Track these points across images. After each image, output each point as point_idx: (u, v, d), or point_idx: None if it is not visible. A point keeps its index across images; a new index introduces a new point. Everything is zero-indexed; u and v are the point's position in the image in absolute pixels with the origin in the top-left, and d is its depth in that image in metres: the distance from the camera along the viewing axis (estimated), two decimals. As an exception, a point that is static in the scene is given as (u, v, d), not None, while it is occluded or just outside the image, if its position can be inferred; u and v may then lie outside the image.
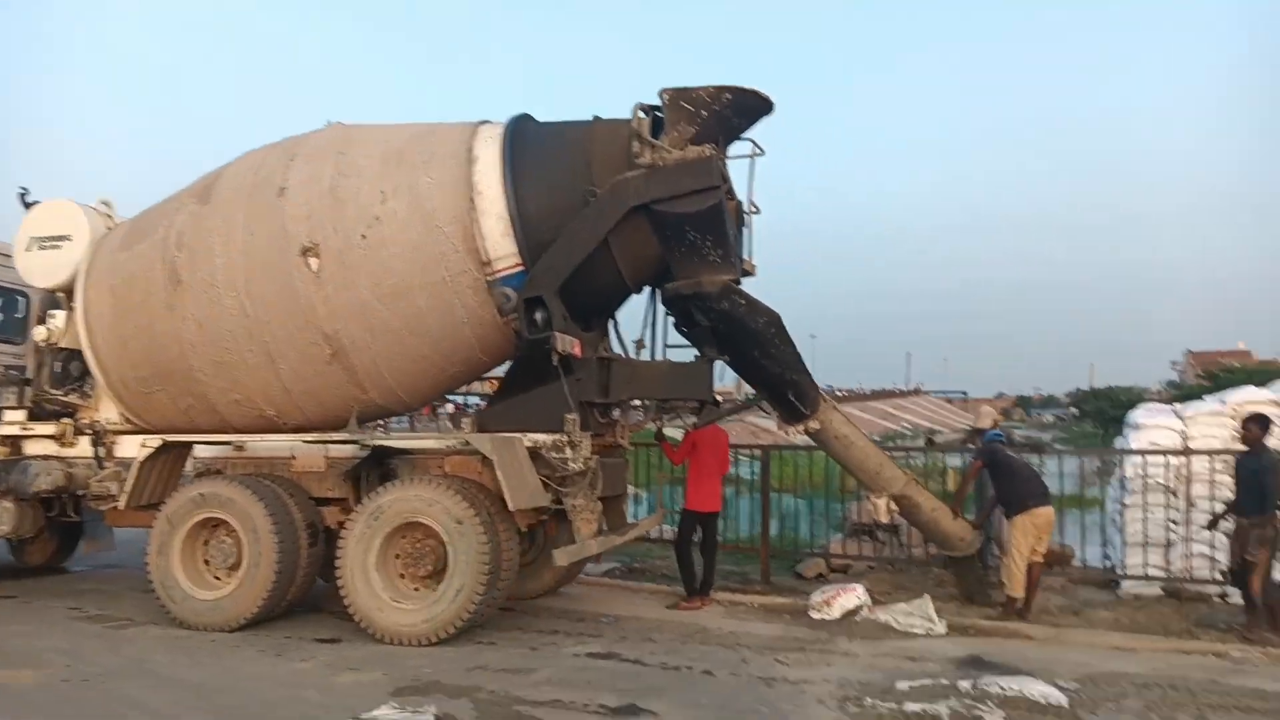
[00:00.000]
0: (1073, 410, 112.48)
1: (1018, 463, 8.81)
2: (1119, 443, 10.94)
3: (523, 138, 7.65)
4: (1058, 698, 5.67)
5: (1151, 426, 10.08)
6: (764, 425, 29.17)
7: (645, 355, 8.42)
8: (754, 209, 8.05)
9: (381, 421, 8.76)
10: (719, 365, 8.05)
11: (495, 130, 7.72)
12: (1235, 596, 8.87)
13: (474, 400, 12.72)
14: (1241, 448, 8.18)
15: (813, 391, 8.28)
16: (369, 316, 7.62)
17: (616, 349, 8.53)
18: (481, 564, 7.08)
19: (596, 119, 7.71)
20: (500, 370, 8.58)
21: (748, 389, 8.94)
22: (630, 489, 9.68)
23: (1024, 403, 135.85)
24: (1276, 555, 7.69)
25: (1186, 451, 9.04)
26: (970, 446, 10.11)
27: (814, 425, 8.36)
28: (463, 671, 6.37)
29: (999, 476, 8.73)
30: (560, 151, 7.63)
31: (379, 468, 7.88)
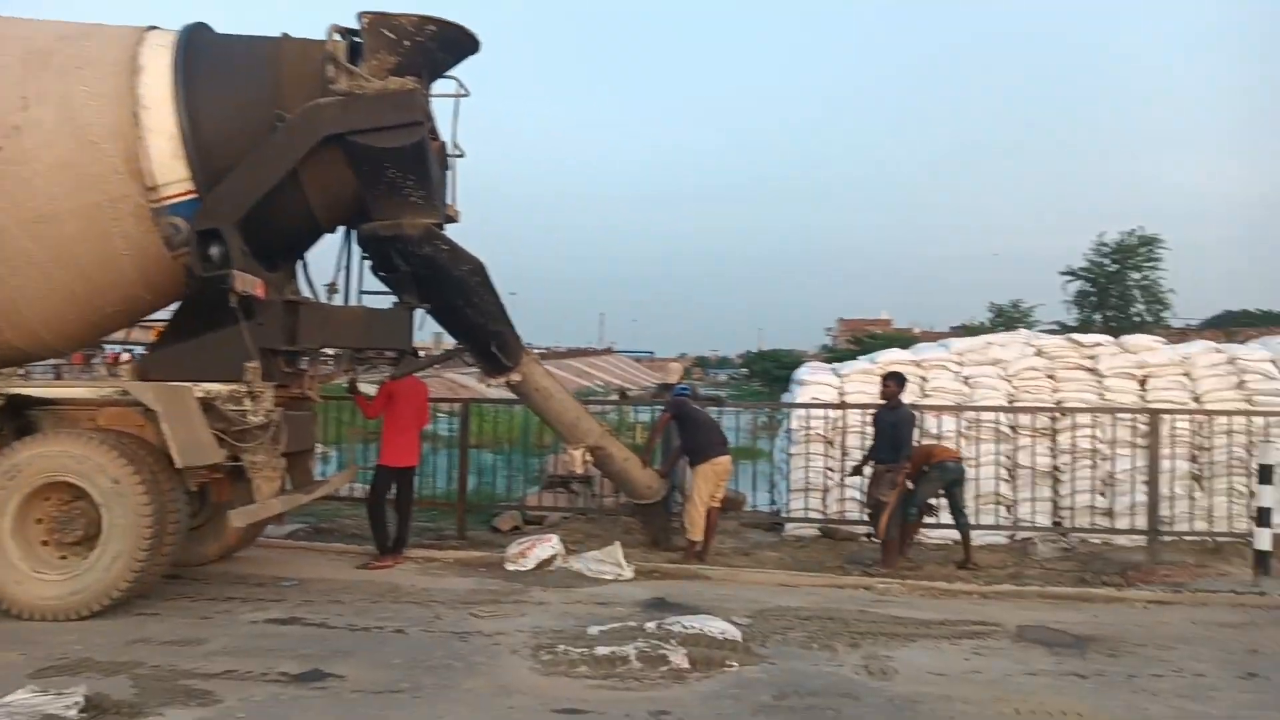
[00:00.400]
0: (744, 370, 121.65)
1: (701, 416, 9.28)
2: (785, 398, 11.90)
3: (199, 49, 6.87)
4: (733, 633, 6.02)
5: (813, 383, 10.99)
6: (462, 380, 28.83)
7: (338, 300, 7.95)
8: (458, 152, 7.81)
9: (22, 369, 7.61)
10: (419, 314, 7.77)
11: (166, 38, 6.87)
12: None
13: (138, 350, 11.42)
14: (880, 402, 9.13)
15: (515, 344, 8.22)
16: (5, 244, 6.57)
17: (306, 293, 7.98)
18: (142, 528, 6.37)
19: (286, 36, 7.08)
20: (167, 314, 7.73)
21: (448, 342, 8.69)
22: (320, 446, 9.12)
23: (702, 363, 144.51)
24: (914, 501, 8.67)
25: (842, 405, 9.94)
26: (660, 400, 10.53)
27: (515, 378, 8.31)
28: (120, 646, 5.72)
29: (685, 428, 9.16)
30: (245, 68, 6.94)
31: (15, 420, 6.84)
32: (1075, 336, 10.98)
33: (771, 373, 63.39)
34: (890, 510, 8.58)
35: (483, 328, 7.95)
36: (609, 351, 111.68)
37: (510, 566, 8.21)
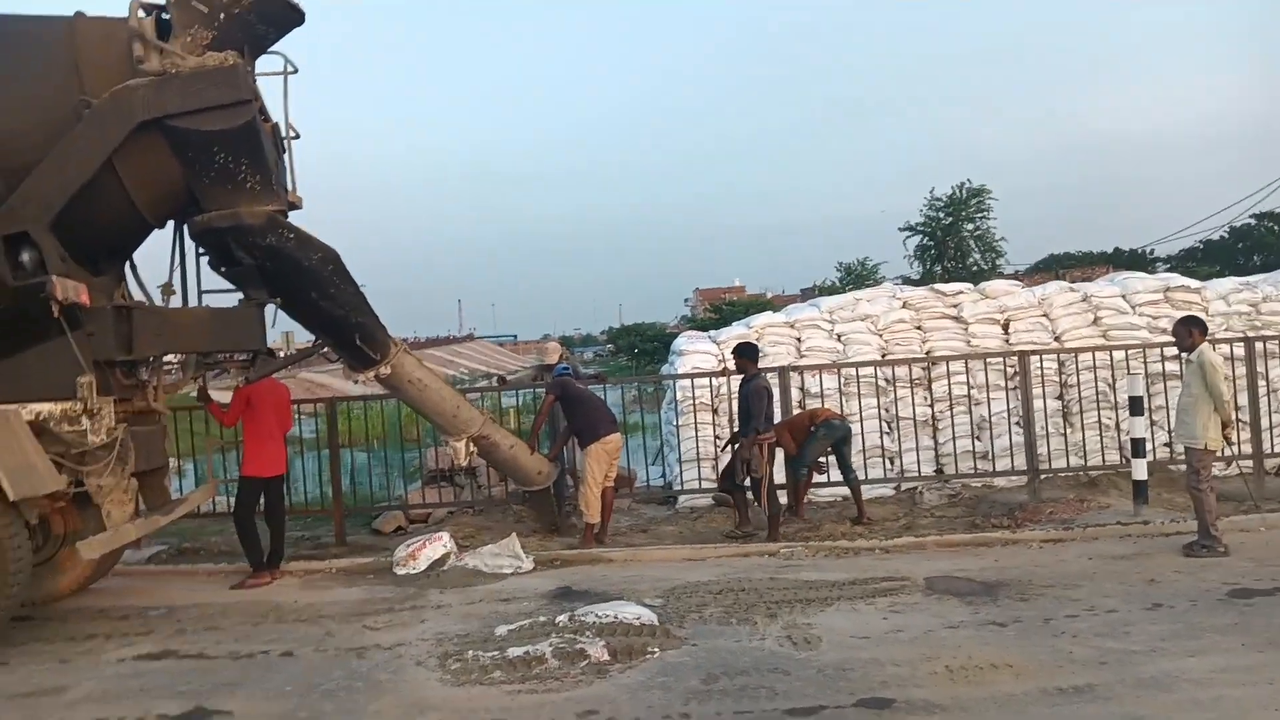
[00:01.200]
0: (609, 346, 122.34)
1: (587, 394, 8.97)
2: (665, 369, 11.73)
3: None
4: (649, 616, 5.77)
5: (693, 352, 10.87)
6: (320, 380, 27.62)
7: (176, 302, 7.26)
8: (293, 133, 7.20)
9: None
10: (271, 310, 7.15)
11: None
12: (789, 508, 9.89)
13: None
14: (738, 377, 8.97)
15: (381, 334, 7.69)
16: None
17: (139, 297, 7.23)
18: (-22, 572, 5.59)
19: (80, 14, 6.31)
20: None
21: (299, 341, 8.09)
22: (172, 461, 8.35)
23: (566, 342, 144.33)
24: (755, 466, 8.48)
25: (725, 372, 9.80)
26: (540, 383, 10.15)
27: (385, 370, 7.78)
28: (-38, 709, 4.97)
29: (571, 408, 8.82)
30: (35, 52, 6.17)
31: None
32: (938, 287, 11.20)
33: (637, 346, 63.69)
34: (765, 482, 8.47)
35: (343, 320, 7.38)
36: (471, 338, 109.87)
37: (400, 571, 7.73)
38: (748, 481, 8.59)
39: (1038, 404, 9.78)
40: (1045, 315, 10.72)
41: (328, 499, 9.81)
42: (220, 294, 7.49)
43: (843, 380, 10.01)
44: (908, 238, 46.34)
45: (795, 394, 9.88)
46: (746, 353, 8.81)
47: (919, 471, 9.96)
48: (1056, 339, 10.55)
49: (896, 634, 5.36)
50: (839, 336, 10.66)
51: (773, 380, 9.74)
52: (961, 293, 10.86)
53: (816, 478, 9.31)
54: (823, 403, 9.71)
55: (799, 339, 10.71)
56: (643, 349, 65.16)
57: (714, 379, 10.02)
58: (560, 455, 9.33)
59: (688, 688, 4.71)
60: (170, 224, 7.15)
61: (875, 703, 4.37)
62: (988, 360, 10.04)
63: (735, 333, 10.91)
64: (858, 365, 9.93)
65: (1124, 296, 10.79)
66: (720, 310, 69.17)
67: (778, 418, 9.49)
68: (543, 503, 9.38)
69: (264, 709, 4.75)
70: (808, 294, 65.36)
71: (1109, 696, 4.30)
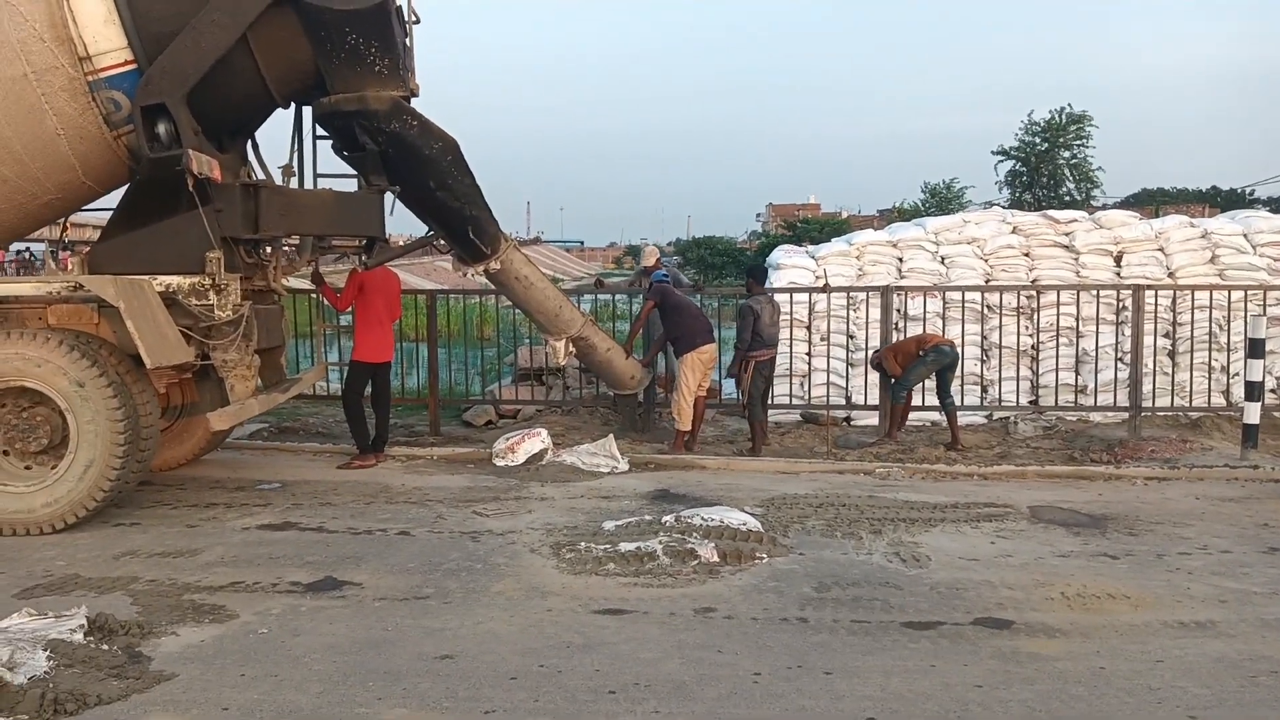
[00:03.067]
0: (676, 259, 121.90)
1: (685, 303, 8.99)
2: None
3: None
4: (754, 524, 5.87)
5: (790, 267, 10.77)
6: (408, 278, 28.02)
7: (295, 184, 7.39)
8: (415, 18, 7.18)
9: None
10: (389, 198, 7.26)
11: None
12: (863, 420, 9.95)
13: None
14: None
15: (493, 228, 7.79)
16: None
17: (260, 177, 7.37)
18: (116, 434, 5.91)
19: None
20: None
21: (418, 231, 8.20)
22: (287, 340, 8.63)
23: (634, 252, 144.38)
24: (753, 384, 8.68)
25: (826, 289, 9.72)
26: (640, 288, 10.17)
27: (494, 265, 7.90)
28: (108, 561, 5.33)
29: (669, 316, 8.86)
30: None
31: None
32: (1051, 213, 10.90)
33: (706, 260, 63.19)
34: (745, 395, 8.68)
35: (458, 212, 7.48)
36: (538, 241, 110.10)
37: (500, 462, 7.97)
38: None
39: (1147, 340, 9.55)
40: (1160, 250, 10.39)
41: (422, 389, 10.09)
42: (334, 178, 7.64)
43: (945, 304, 9.89)
44: (999, 162, 44.93)
45: (895, 315, 9.79)
46: (756, 273, 9.19)
47: (1017, 401, 9.85)
48: (1170, 275, 10.23)
49: (1006, 559, 5.40)
50: (943, 259, 10.49)
51: (874, 300, 9.68)
52: (1075, 221, 10.55)
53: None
54: (924, 326, 9.61)
55: (900, 259, 10.55)
56: (712, 263, 64.84)
57: (812, 295, 9.95)
58: (653, 362, 9.43)
59: (801, 594, 4.82)
60: (293, 106, 7.25)
61: (993, 623, 4.43)
62: (1099, 293, 9.79)
63: (836, 249, 10.78)
64: (962, 290, 9.77)
65: (1245, 235, 10.38)
66: (794, 227, 68.41)
67: (875, 341, 9.46)
68: (631, 407, 9.53)
69: (391, 583, 4.99)
70: (887, 216, 64.04)
71: (1233, 634, 4.30)
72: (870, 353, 9.38)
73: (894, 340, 9.38)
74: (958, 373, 9.62)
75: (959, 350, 9.07)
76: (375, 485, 7.22)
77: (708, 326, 8.92)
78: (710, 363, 8.79)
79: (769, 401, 9.21)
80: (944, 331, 9.59)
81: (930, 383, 9.16)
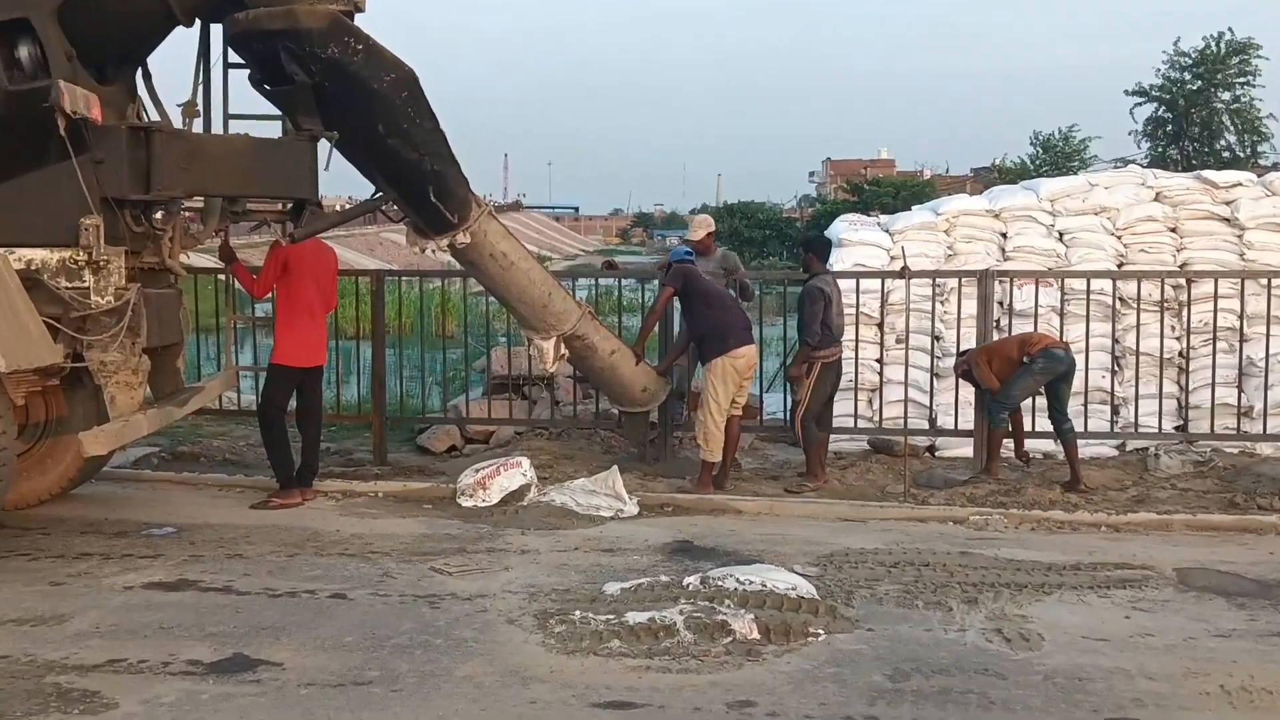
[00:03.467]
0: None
1: (716, 291, 8.99)
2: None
3: None
4: (806, 588, 5.86)
5: (856, 244, 10.79)
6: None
7: (199, 128, 7.45)
8: None
9: None
10: (325, 147, 7.30)
11: None
12: (951, 449, 9.95)
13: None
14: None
15: (462, 189, 7.83)
16: None
17: (156, 117, 7.40)
18: (-44, 461, 5.92)
19: None
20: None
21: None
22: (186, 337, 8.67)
23: (644, 221, 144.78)
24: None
25: (905, 273, 9.70)
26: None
27: (463, 238, 7.92)
28: (-54, 629, 5.33)
29: (694, 308, 8.87)
30: None
31: None
32: (1207, 174, 10.88)
33: (743, 233, 63.27)
34: (803, 408, 8.76)
35: (415, 166, 7.51)
36: (518, 207, 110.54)
37: (466, 501, 8.02)
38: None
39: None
40: (1359, 224, 10.37)
41: (364, 404, 10.12)
42: (252, 120, 7.68)
43: (1063, 295, 9.85)
44: (1136, 105, 44.86)
45: (995, 309, 9.78)
46: (816, 246, 9.37)
47: (1159, 427, 9.81)
48: (1373, 257, 10.20)
49: (1145, 638, 5.38)
50: (1060, 235, 10.51)
51: (968, 289, 9.67)
52: (1239, 185, 10.54)
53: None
54: (1034, 325, 9.60)
55: (1004, 234, 10.60)
56: (750, 237, 65.01)
57: (885, 281, 9.95)
58: (672, 369, 9.43)
59: (870, 684, 4.80)
60: (198, 23, 7.28)
61: (1129, 726, 4.41)
62: (1271, 282, 9.74)
63: (917, 220, 10.82)
64: (1087, 276, 9.75)
65: None
66: (860, 190, 68.55)
67: (971, 344, 9.42)
68: (642, 430, 9.55)
69: (321, 663, 4.98)
70: (984, 176, 64.06)
71: None
72: (958, 357, 9.37)
73: (991, 340, 9.38)
74: (1084, 387, 9.61)
75: (1075, 356, 9.04)
76: (301, 531, 7.24)
77: (745, 322, 8.92)
78: (748, 370, 8.80)
79: (830, 421, 9.21)
80: (1060, 332, 9.57)
81: (1040, 399, 9.14)
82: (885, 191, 63.47)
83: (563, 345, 8.67)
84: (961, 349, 9.48)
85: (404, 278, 10.46)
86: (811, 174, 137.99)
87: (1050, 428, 9.12)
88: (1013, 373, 8.83)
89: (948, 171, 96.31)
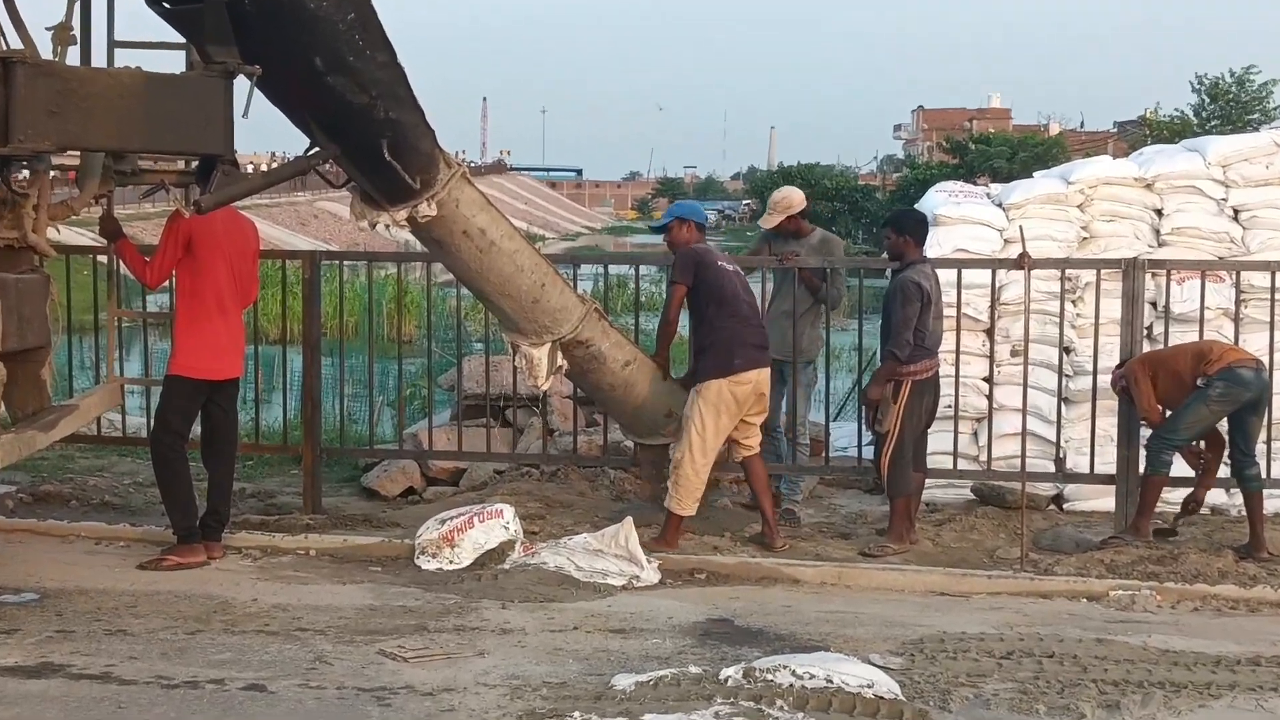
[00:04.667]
0: (746, 203, 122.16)
1: (730, 288, 9.00)
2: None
3: None
4: (887, 684, 5.85)
5: (956, 222, 10.84)
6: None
7: (74, 60, 7.57)
8: None
9: None
10: (243, 86, 7.35)
11: None
12: (1085, 500, 9.96)
13: None
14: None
15: (426, 144, 7.86)
16: None
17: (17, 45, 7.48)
18: None
19: None
20: None
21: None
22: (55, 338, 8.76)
23: (670, 189, 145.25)
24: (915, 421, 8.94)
25: (1023, 261, 9.71)
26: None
27: (427, 210, 7.95)
28: None
29: (700, 309, 9.02)
30: None
31: None
32: None
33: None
34: (891, 443, 8.84)
35: (364, 113, 7.55)
36: (501, 168, 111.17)
37: (428, 563, 8.13)
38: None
39: None
40: None
41: (294, 430, 10.17)
42: (145, 50, 7.73)
43: (1239, 293, 9.87)
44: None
45: (1147, 311, 9.78)
46: (910, 225, 9.30)
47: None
48: None
49: (1348, 759, 5.37)
50: (1235, 212, 10.54)
51: (1109, 284, 9.66)
52: None
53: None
54: (1200, 332, 9.60)
55: (1159, 211, 10.61)
56: (813, 211, 64.92)
57: (997, 273, 9.95)
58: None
59: (971, 817, 4.81)
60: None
61: None
62: None
63: (1042, 190, 10.88)
64: (1272, 268, 9.76)
65: None
66: (963, 150, 68.79)
67: (1110, 360, 9.41)
68: (666, 468, 9.55)
69: (230, 777, 5.01)
70: (1130, 133, 64.11)
71: None
72: (1117, 368, 9.35)
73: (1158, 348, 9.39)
74: (1268, 419, 9.61)
75: (1266, 376, 9.03)
76: (206, 600, 7.29)
77: (762, 337, 9.13)
78: (751, 401, 8.97)
79: (925, 461, 9.26)
80: (1237, 341, 9.54)
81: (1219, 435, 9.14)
82: (997, 152, 63.68)
83: (560, 355, 8.74)
84: (1106, 371, 9.48)
85: (347, 261, 10.53)
86: (898, 128, 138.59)
87: (1233, 474, 9.14)
88: (1183, 397, 8.82)
89: (1082, 126, 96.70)
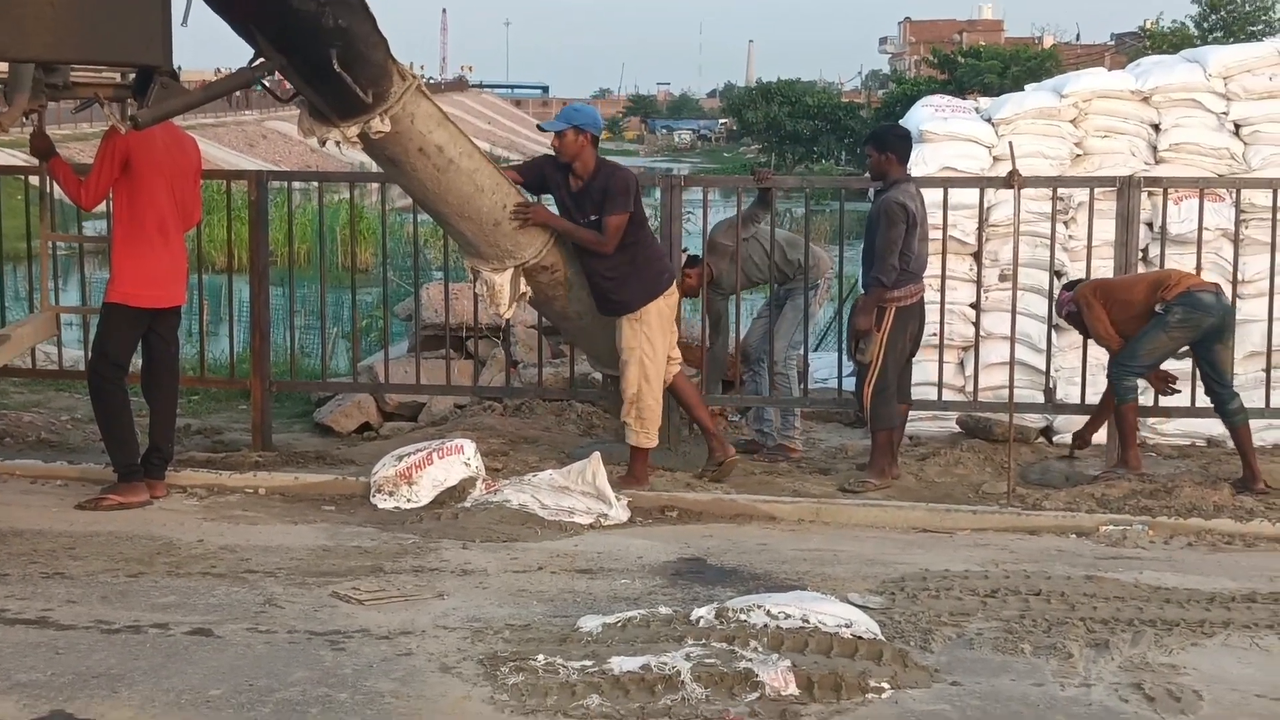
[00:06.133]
0: (723, 122, 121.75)
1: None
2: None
3: None
4: (865, 624, 5.88)
5: (944, 138, 10.83)
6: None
7: None
8: None
9: None
10: None
11: None
12: (1073, 432, 10.02)
13: None
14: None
15: (379, 54, 7.81)
16: None
17: None
18: None
19: None
20: None
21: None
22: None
23: (642, 107, 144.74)
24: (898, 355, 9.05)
25: (1014, 179, 9.70)
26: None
27: (380, 125, 7.91)
28: None
29: (630, 231, 8.97)
30: None
31: None
32: None
33: (784, 124, 63.36)
34: (874, 374, 8.92)
35: (312, 19, 7.48)
36: (463, 85, 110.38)
37: (384, 501, 8.14)
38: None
39: None
40: None
41: (242, 362, 10.14)
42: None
43: (1240, 214, 9.88)
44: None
45: (1142, 233, 9.80)
46: (893, 142, 9.29)
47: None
48: None
49: (1345, 699, 5.42)
50: (1236, 127, 10.57)
51: (1103, 205, 9.67)
52: None
53: (1165, 394, 9.35)
54: (1197, 257, 9.62)
55: (1156, 126, 10.62)
56: (794, 131, 65.00)
57: (986, 192, 9.96)
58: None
59: (954, 760, 4.86)
60: None
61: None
62: None
63: (1033, 104, 10.89)
64: (1275, 185, 9.77)
65: None
66: (952, 64, 68.58)
67: (990, 258, 9.44)
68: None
69: (174, 727, 5.02)
70: (1128, 47, 63.98)
71: None
72: (1062, 290, 9.43)
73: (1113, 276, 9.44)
74: (1266, 347, 9.66)
75: (1228, 302, 9.09)
76: (149, 541, 7.30)
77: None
78: (675, 309, 9.20)
79: (909, 392, 9.36)
80: (1234, 265, 9.59)
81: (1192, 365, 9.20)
82: (988, 66, 63.56)
83: (523, 280, 8.74)
84: (1071, 280, 9.53)
85: (296, 182, 10.47)
86: (883, 41, 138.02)
87: (1212, 405, 9.20)
88: (1139, 326, 8.88)
89: (1078, 39, 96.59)
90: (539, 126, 9.87)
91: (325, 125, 8.03)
